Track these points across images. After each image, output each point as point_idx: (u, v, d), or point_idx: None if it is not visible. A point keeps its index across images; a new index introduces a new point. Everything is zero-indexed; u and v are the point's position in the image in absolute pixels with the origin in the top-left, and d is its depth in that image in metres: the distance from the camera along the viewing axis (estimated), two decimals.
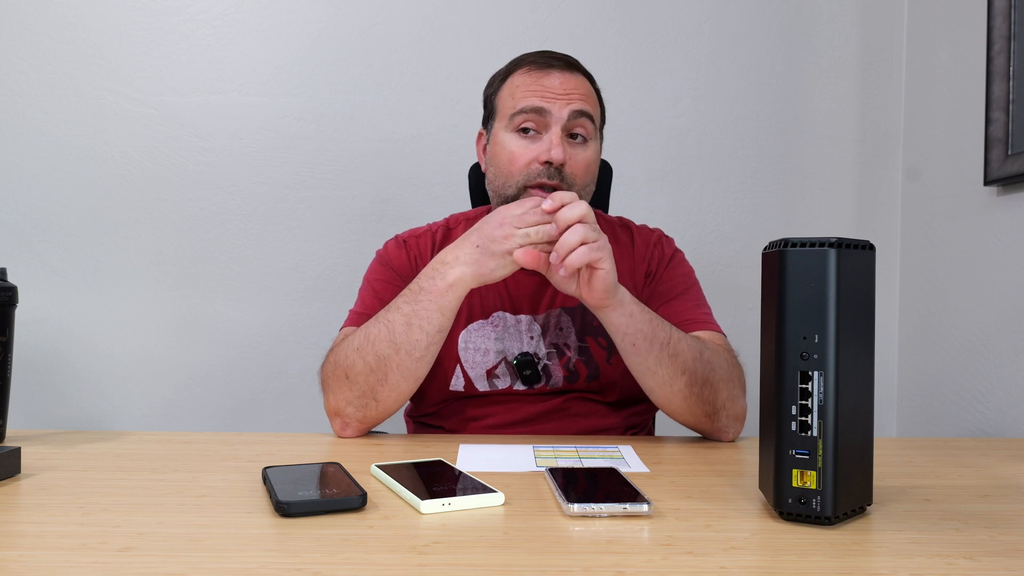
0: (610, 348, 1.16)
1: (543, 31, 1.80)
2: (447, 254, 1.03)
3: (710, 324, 1.17)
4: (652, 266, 1.23)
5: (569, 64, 1.16)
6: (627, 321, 1.01)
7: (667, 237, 1.29)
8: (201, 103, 1.78)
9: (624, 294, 1.01)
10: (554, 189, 1.09)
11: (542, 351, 1.16)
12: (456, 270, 1.01)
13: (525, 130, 1.12)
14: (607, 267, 0.96)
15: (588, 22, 1.81)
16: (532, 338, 1.17)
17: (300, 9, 1.79)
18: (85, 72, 1.76)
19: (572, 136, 1.13)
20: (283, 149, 1.80)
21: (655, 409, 1.26)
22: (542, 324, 1.18)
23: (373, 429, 1.12)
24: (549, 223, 0.97)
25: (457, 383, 1.16)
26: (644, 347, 1.02)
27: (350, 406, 1.05)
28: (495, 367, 1.16)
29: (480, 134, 1.24)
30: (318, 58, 1.79)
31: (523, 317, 1.19)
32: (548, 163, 1.10)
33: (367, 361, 1.03)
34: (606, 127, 1.78)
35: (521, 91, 1.13)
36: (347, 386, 1.04)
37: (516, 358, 1.15)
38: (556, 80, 1.13)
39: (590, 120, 1.13)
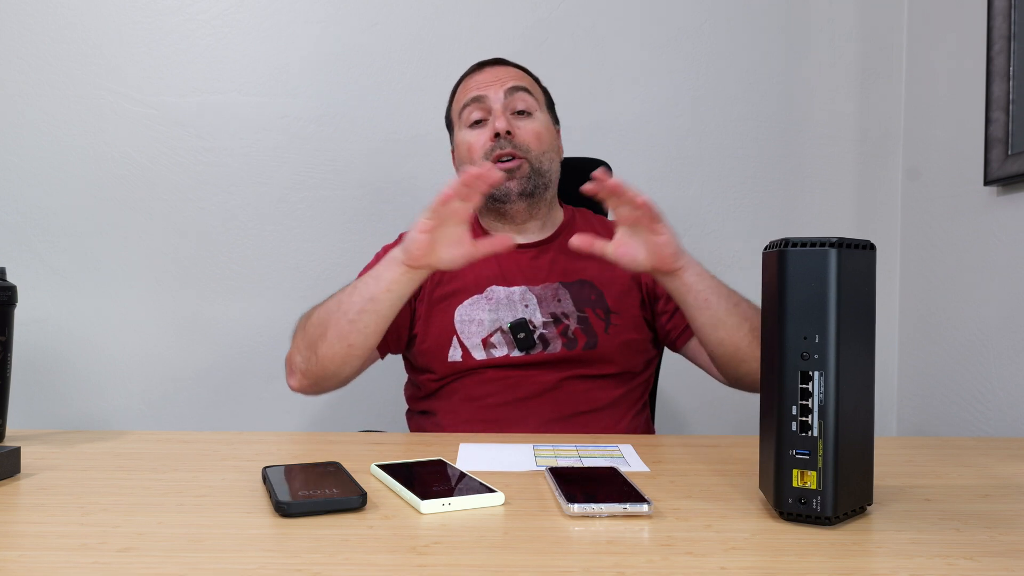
0: (607, 320, 1.22)
1: (543, 31, 1.80)
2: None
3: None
4: None
5: (499, 60, 1.31)
6: (697, 279, 1.08)
7: None
8: (201, 103, 1.78)
9: (689, 255, 1.08)
10: (511, 158, 1.22)
11: (538, 319, 1.21)
12: (393, 252, 1.08)
13: (477, 122, 1.25)
14: (669, 230, 1.02)
15: (588, 22, 1.81)
16: (527, 306, 1.22)
17: (300, 9, 1.79)
18: (85, 72, 1.76)
19: (517, 113, 1.25)
20: (283, 149, 1.80)
21: (652, 383, 1.34)
22: (539, 295, 1.23)
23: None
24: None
25: (455, 354, 1.20)
26: (714, 300, 1.09)
27: (299, 355, 1.16)
28: (490, 335, 1.20)
29: (452, 151, 1.37)
30: (318, 58, 1.79)
31: (516, 288, 1.24)
32: (497, 135, 1.22)
33: (319, 314, 1.15)
34: (605, 127, 1.80)
35: (461, 93, 1.30)
36: (301, 335, 1.16)
37: (510, 323, 1.20)
38: (487, 74, 1.28)
39: (528, 93, 1.27)
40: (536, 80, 1.33)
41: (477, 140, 1.25)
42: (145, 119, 1.78)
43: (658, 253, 1.03)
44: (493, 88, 1.25)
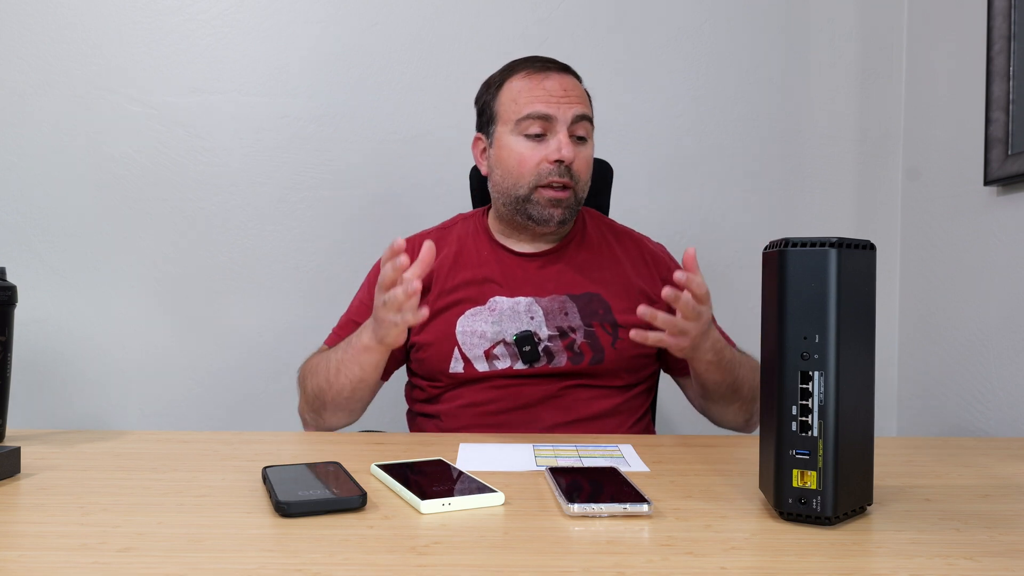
0: (615, 334, 1.20)
1: (543, 31, 1.80)
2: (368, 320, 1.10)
3: (730, 341, 1.28)
4: (671, 278, 1.29)
5: (562, 67, 1.24)
6: (705, 368, 1.12)
7: (669, 253, 1.37)
8: (201, 103, 1.78)
9: (711, 339, 1.09)
10: (564, 187, 1.19)
11: (544, 332, 1.19)
12: (366, 335, 1.09)
13: (531, 134, 1.19)
14: (693, 334, 1.03)
15: (588, 22, 1.81)
16: (532, 318, 1.20)
17: (300, 9, 1.79)
18: (85, 72, 1.76)
19: (577, 136, 1.21)
20: (283, 149, 1.80)
21: (654, 392, 1.33)
22: (545, 307, 1.21)
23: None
24: (398, 283, 0.99)
25: (456, 366, 1.19)
26: (714, 379, 1.14)
27: (306, 413, 1.21)
28: (492, 347, 1.19)
29: (477, 139, 1.29)
30: (318, 58, 1.79)
31: (522, 299, 1.21)
32: (559, 162, 1.17)
33: (313, 387, 1.17)
34: (605, 127, 1.80)
35: (524, 96, 1.20)
36: (303, 397, 1.20)
37: (515, 335, 1.18)
38: (555, 83, 1.20)
39: (589, 122, 1.22)
40: (587, 95, 1.26)
41: (532, 156, 1.19)
42: (145, 119, 1.78)
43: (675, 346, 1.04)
44: (562, 109, 1.18)
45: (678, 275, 0.98)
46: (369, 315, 1.23)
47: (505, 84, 1.23)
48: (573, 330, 1.20)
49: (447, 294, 1.22)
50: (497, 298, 1.21)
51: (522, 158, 1.19)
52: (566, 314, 1.20)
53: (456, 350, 1.19)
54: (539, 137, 1.19)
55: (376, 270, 1.30)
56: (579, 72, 1.29)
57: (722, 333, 1.31)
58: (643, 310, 0.99)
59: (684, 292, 0.98)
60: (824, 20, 1.84)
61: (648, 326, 1.03)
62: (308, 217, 1.80)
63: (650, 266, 1.29)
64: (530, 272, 1.24)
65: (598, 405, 1.19)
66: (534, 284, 1.23)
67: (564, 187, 1.19)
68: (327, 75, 1.79)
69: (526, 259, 1.26)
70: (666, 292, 0.98)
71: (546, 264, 1.25)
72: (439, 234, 1.32)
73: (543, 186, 1.19)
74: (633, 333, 1.00)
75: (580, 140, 1.21)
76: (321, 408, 1.16)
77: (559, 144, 1.17)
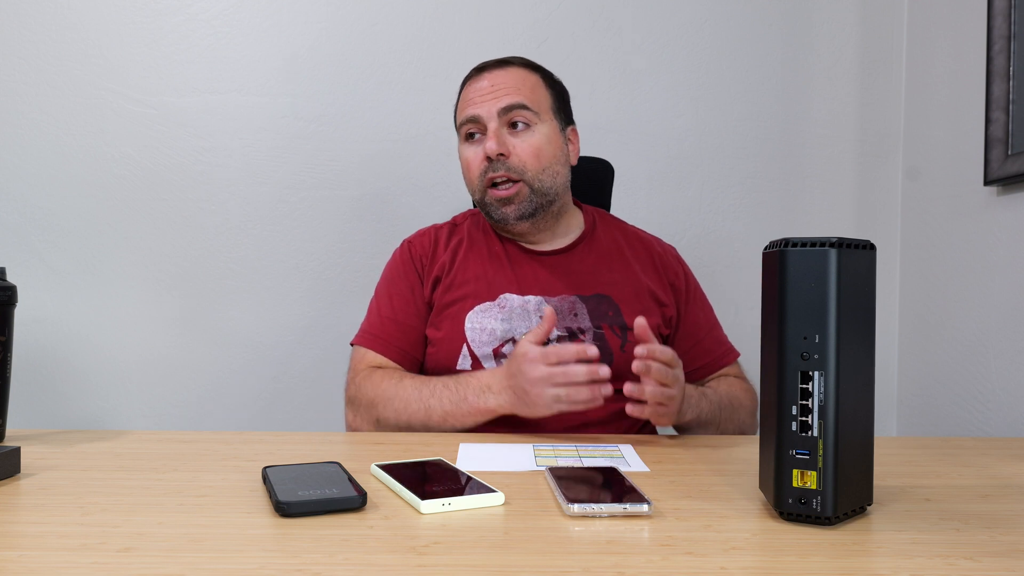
0: (624, 337, 1.20)
1: (543, 31, 1.80)
2: (492, 381, 1.07)
3: (732, 351, 1.30)
4: (679, 283, 1.30)
5: (501, 62, 1.24)
6: (695, 416, 1.11)
7: (679, 255, 1.37)
8: (201, 103, 1.78)
9: (685, 405, 1.08)
10: (507, 181, 1.19)
11: (553, 332, 1.18)
12: (498, 400, 1.06)
13: (471, 135, 1.21)
14: (673, 409, 1.03)
15: (588, 22, 1.81)
16: (542, 317, 1.19)
17: (300, 9, 1.79)
18: (85, 72, 1.77)
19: (514, 125, 1.20)
20: (283, 149, 1.80)
21: None
22: (555, 307, 1.20)
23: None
24: (578, 383, 0.99)
25: (464, 362, 1.18)
26: (705, 421, 1.14)
27: (366, 427, 1.15)
28: (501, 346, 1.18)
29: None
30: (318, 58, 1.79)
31: (531, 298, 1.21)
32: (489, 159, 1.19)
33: (399, 422, 1.11)
34: (605, 127, 1.80)
35: (460, 105, 1.25)
36: (373, 423, 1.14)
37: (525, 334, 1.17)
38: (485, 82, 1.21)
39: (525, 109, 1.20)
40: (545, 78, 1.26)
41: (472, 158, 1.21)
42: (145, 119, 1.78)
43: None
44: (487, 106, 1.19)
45: (639, 351, 0.97)
46: (416, 315, 1.23)
47: (458, 99, 1.28)
48: (582, 331, 1.19)
49: (456, 288, 1.22)
50: (507, 295, 1.21)
51: (468, 163, 1.23)
52: (575, 315, 1.20)
53: (465, 347, 1.18)
54: (479, 138, 1.21)
55: (392, 265, 1.29)
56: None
57: (724, 339, 1.32)
58: (629, 388, 0.98)
59: (653, 363, 0.97)
60: (824, 20, 1.84)
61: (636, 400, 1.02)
62: (308, 217, 1.80)
63: (659, 270, 1.29)
64: (539, 271, 1.24)
65: (605, 408, 1.18)
66: (543, 283, 1.22)
67: (508, 181, 1.19)
68: (327, 75, 1.79)
69: (534, 257, 1.25)
70: (636, 366, 0.98)
71: (555, 264, 1.25)
72: (449, 227, 1.32)
73: (490, 187, 1.20)
74: (630, 409, 0.99)
75: (522, 127, 1.20)
76: (402, 428, 1.12)
77: (487, 138, 1.19)
